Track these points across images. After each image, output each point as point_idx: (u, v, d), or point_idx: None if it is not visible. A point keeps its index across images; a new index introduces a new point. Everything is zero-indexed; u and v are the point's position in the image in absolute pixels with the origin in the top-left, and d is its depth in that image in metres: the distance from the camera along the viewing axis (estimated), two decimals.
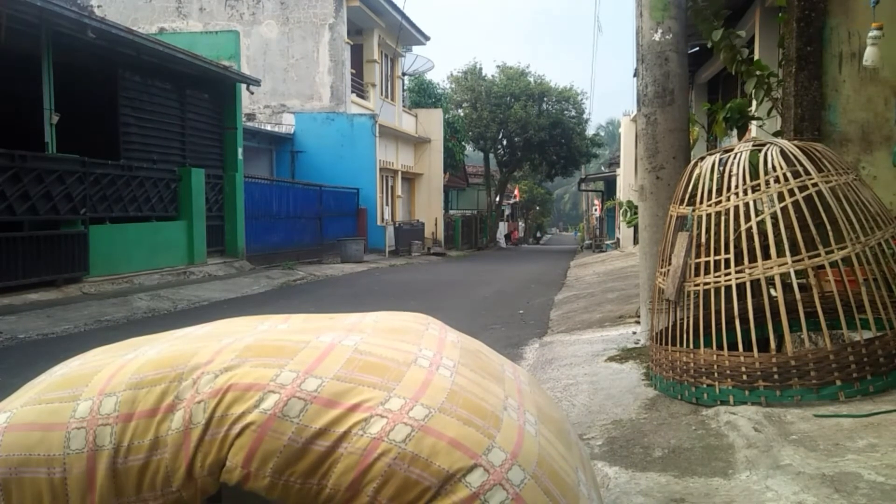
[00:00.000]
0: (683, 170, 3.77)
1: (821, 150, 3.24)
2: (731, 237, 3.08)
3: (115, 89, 10.34)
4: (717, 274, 3.10)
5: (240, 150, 13.42)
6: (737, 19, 7.44)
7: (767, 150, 3.18)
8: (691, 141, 4.97)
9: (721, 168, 3.27)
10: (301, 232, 16.21)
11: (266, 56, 19.04)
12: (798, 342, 3.18)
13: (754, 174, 3.15)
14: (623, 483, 2.29)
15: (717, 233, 3.14)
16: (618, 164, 24.29)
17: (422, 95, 29.04)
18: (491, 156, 33.58)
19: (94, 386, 1.37)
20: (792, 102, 4.33)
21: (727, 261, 3.08)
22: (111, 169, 9.74)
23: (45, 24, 8.60)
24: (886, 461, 2.19)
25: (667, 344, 3.30)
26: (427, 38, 24.61)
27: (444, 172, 26.29)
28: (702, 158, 3.45)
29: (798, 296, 2.94)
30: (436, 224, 24.75)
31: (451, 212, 29.09)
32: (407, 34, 22.91)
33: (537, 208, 51.07)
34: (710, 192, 3.24)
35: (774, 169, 3.10)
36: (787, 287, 3.10)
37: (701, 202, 3.25)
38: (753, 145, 3.28)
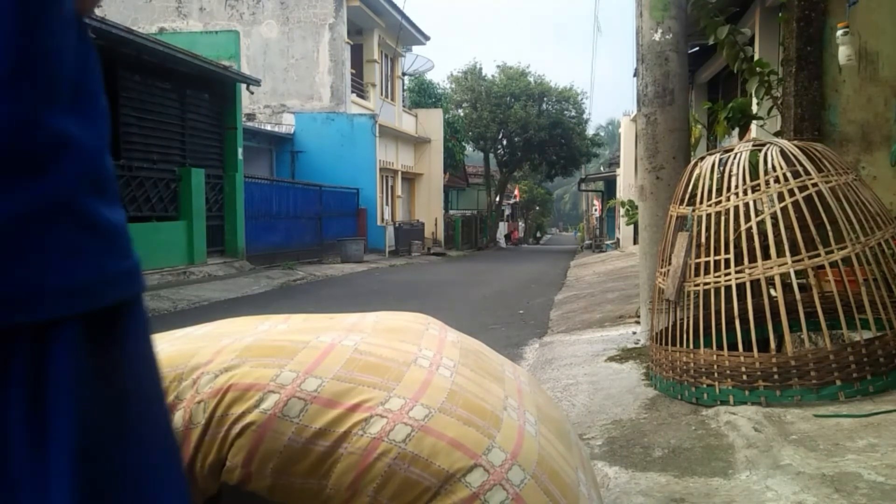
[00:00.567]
0: (683, 170, 3.77)
1: (821, 150, 3.24)
2: (731, 237, 3.08)
3: (116, 89, 10.34)
4: (717, 274, 3.10)
5: (240, 150, 13.42)
6: (737, 19, 7.44)
7: (767, 150, 3.18)
8: (693, 141, 4.97)
9: (721, 168, 3.27)
10: (301, 232, 16.20)
11: (266, 56, 19.04)
12: (798, 342, 3.18)
13: (754, 174, 3.15)
14: (623, 483, 2.29)
15: (717, 233, 3.14)
16: (618, 164, 24.29)
17: (422, 95, 29.03)
18: (491, 156, 33.57)
19: None
20: (792, 102, 4.33)
21: (727, 261, 3.08)
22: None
23: None
24: (886, 461, 2.19)
25: (667, 344, 3.30)
26: (427, 38, 24.61)
27: (444, 172, 26.30)
28: (702, 158, 3.45)
29: (798, 296, 2.94)
30: (436, 224, 24.75)
31: (451, 212, 29.09)
32: (407, 34, 22.91)
33: (537, 208, 51.08)
34: (710, 192, 3.24)
35: (774, 169, 3.10)
36: (787, 287, 3.10)
37: (701, 202, 3.25)
38: (753, 145, 3.29)
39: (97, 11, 15.64)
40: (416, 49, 26.04)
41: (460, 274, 14.12)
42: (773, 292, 3.18)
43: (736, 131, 5.54)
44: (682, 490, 2.18)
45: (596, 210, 30.68)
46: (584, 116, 33.22)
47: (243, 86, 13.67)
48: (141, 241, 10.47)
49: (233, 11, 19.05)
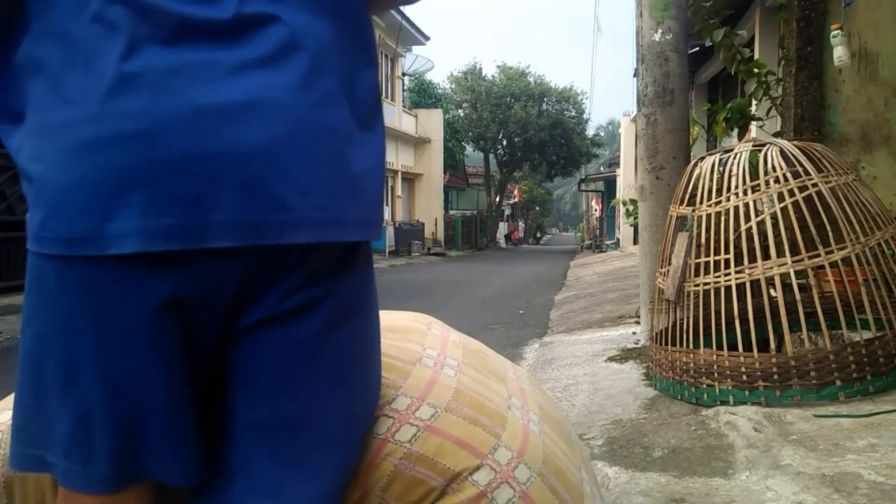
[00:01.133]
0: (683, 170, 3.77)
1: (821, 150, 3.25)
2: (731, 237, 3.09)
3: None
4: (716, 274, 3.11)
5: None
6: (737, 19, 7.45)
7: (767, 150, 3.19)
8: (691, 141, 4.98)
9: (721, 168, 3.28)
10: None
11: None
12: (798, 342, 3.18)
13: (754, 174, 3.16)
14: (623, 483, 2.29)
15: (717, 233, 3.15)
16: (618, 164, 24.31)
17: (422, 95, 29.03)
18: (491, 156, 33.58)
19: None
20: (792, 102, 4.34)
21: (727, 261, 3.09)
22: None
23: None
24: (886, 461, 2.19)
25: (667, 344, 3.30)
26: (427, 38, 24.61)
27: (444, 172, 26.30)
28: (702, 158, 3.45)
29: (798, 296, 2.94)
30: (436, 224, 24.75)
31: (451, 212, 29.09)
32: (407, 34, 22.91)
33: (537, 208, 51.11)
34: (709, 192, 3.25)
35: (774, 169, 3.11)
36: (786, 287, 3.10)
37: (701, 202, 3.26)
38: (753, 145, 3.29)
39: None
40: (416, 49, 26.06)
41: (460, 274, 14.12)
42: (773, 292, 3.19)
43: (735, 132, 5.55)
44: (682, 490, 2.19)
45: (596, 210, 30.69)
46: (584, 116, 33.29)
47: None
48: None
49: None
